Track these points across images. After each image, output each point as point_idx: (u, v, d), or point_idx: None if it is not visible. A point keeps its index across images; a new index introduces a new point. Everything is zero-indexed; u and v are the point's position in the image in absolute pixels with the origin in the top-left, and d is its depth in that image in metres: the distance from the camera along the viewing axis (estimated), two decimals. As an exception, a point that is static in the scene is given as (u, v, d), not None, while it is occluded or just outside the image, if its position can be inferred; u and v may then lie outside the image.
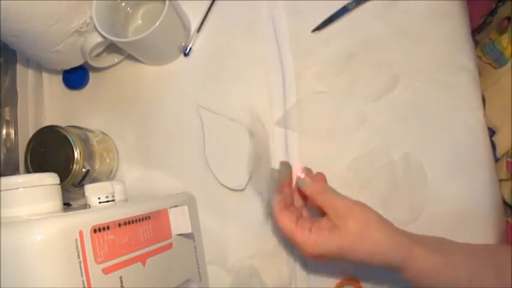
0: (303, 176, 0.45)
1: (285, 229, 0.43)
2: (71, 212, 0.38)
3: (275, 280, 0.54)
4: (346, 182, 0.51)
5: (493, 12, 0.53)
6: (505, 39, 0.49)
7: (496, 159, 0.51)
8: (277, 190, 0.46)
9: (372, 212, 0.43)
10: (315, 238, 0.41)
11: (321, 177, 0.46)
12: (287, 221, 0.43)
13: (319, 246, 0.41)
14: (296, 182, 0.46)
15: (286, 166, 0.49)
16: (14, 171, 0.61)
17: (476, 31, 0.55)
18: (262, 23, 0.57)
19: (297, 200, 0.48)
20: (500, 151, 0.50)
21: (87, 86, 0.63)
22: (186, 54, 0.59)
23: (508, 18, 0.50)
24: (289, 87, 0.56)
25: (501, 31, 0.51)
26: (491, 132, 0.51)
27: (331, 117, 0.54)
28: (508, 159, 0.49)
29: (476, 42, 0.54)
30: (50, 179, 0.41)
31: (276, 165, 0.55)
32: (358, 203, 0.43)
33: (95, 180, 0.56)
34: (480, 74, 0.52)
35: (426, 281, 0.41)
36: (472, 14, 0.53)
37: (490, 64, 0.52)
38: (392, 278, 0.51)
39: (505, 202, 0.50)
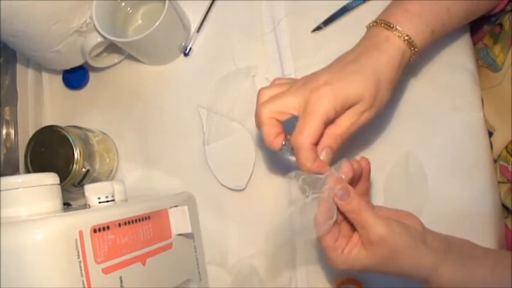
0: (338, 191, 0.40)
1: (323, 245, 0.42)
2: (71, 212, 0.38)
3: (275, 280, 0.54)
4: (346, 182, 0.51)
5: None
6: (497, 48, 0.50)
7: (494, 161, 0.51)
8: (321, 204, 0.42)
9: (405, 236, 0.40)
10: (346, 256, 0.41)
11: (361, 190, 0.45)
12: (328, 238, 0.41)
13: (347, 264, 0.41)
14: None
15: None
16: (14, 171, 0.61)
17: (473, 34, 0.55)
18: (262, 23, 0.57)
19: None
20: (495, 153, 0.51)
21: (87, 86, 0.63)
22: (186, 54, 0.59)
23: (500, 24, 0.50)
24: (289, 87, 0.55)
25: (494, 37, 0.51)
26: (489, 133, 0.51)
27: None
28: (502, 163, 0.49)
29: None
30: (50, 179, 0.41)
31: (275, 166, 0.55)
32: (390, 227, 0.40)
33: (95, 180, 0.56)
34: (478, 76, 0.52)
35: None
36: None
37: (486, 67, 0.52)
38: (393, 278, 0.51)
39: (502, 204, 0.50)
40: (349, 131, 0.42)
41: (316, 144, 0.41)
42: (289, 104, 0.42)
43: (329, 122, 0.41)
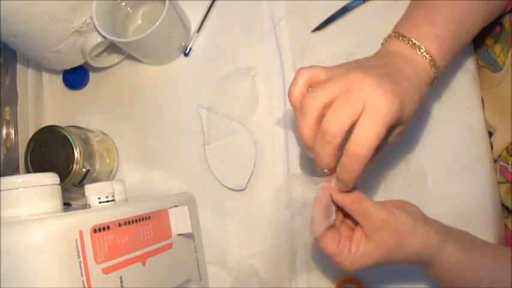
0: (335, 185, 0.39)
1: (326, 251, 0.40)
2: (71, 212, 0.38)
3: (275, 280, 0.54)
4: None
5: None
6: (497, 48, 0.50)
7: (494, 161, 0.51)
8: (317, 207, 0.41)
9: (406, 216, 0.40)
10: (354, 256, 0.40)
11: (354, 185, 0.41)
12: (329, 243, 0.40)
13: (358, 263, 0.40)
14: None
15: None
16: (14, 171, 0.61)
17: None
18: (262, 22, 0.57)
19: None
20: (496, 153, 0.51)
21: (87, 86, 0.63)
22: (186, 54, 0.59)
23: (501, 24, 0.50)
24: (289, 87, 0.55)
25: (494, 37, 0.51)
26: (489, 133, 0.51)
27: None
28: (502, 163, 0.49)
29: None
30: (50, 179, 0.41)
31: (275, 166, 0.55)
32: (391, 211, 0.39)
33: (95, 180, 0.56)
34: (479, 76, 0.52)
35: (450, 277, 0.41)
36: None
37: (487, 68, 0.52)
38: (392, 278, 0.51)
39: (502, 204, 0.50)
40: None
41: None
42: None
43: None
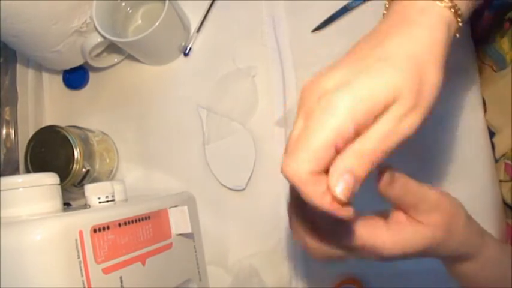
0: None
1: (361, 238, 0.32)
2: (71, 212, 0.38)
3: (275, 280, 0.54)
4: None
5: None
6: (505, 43, 0.49)
7: (495, 160, 0.51)
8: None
9: (458, 202, 0.35)
10: (398, 236, 0.32)
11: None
12: (366, 227, 0.32)
13: (403, 245, 0.32)
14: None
15: None
16: (14, 171, 0.61)
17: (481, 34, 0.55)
18: (262, 23, 0.57)
19: None
20: (498, 152, 0.50)
21: (87, 86, 0.63)
22: (186, 54, 0.59)
23: (510, 20, 0.50)
24: (289, 87, 0.55)
25: (502, 33, 0.51)
26: (491, 133, 0.51)
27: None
28: (507, 161, 0.49)
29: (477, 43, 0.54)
30: (50, 179, 0.41)
31: (275, 166, 0.55)
32: (444, 193, 0.34)
33: (95, 180, 0.56)
34: (480, 75, 0.52)
35: (489, 270, 0.37)
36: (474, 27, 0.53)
37: (490, 67, 0.52)
38: (392, 277, 0.51)
39: (504, 203, 0.50)
40: (385, 147, 0.29)
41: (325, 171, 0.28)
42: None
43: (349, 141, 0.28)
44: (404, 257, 0.33)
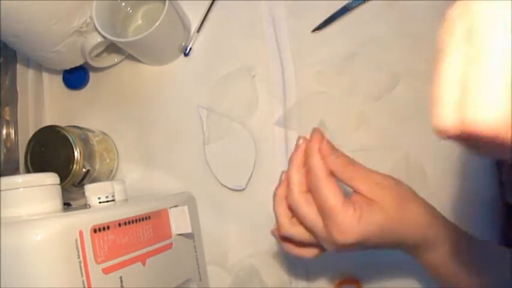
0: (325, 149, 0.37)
1: (328, 203, 0.35)
2: (71, 212, 0.38)
3: (275, 280, 0.54)
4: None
5: None
6: None
7: (497, 161, 0.51)
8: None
9: (407, 187, 0.38)
10: (359, 215, 0.35)
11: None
12: (332, 194, 0.35)
13: (361, 225, 0.34)
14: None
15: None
16: (14, 171, 0.61)
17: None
18: (262, 23, 0.57)
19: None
20: None
21: (87, 86, 0.63)
22: (186, 54, 0.59)
23: None
24: (289, 87, 0.56)
25: None
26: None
27: (331, 117, 0.54)
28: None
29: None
30: (50, 179, 0.41)
31: (275, 166, 0.55)
32: (389, 175, 0.37)
33: (95, 180, 0.56)
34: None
35: (453, 261, 0.38)
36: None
37: None
38: (392, 277, 0.51)
39: (506, 203, 0.50)
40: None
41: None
42: None
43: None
44: (365, 239, 0.35)
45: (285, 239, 0.41)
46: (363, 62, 0.54)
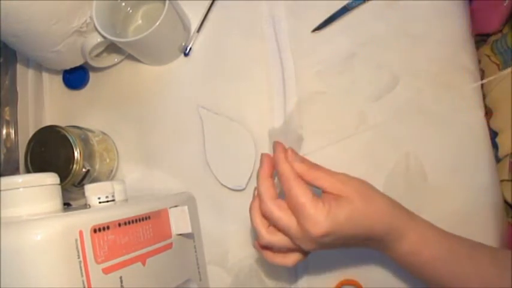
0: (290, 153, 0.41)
1: (299, 200, 0.38)
2: (71, 212, 0.38)
3: (275, 280, 0.54)
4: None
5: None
6: None
7: (498, 160, 0.51)
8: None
9: (368, 183, 0.41)
10: (328, 208, 0.37)
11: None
12: (301, 192, 0.38)
13: (330, 218, 0.37)
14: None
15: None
16: (14, 171, 0.61)
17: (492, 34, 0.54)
18: (262, 23, 0.57)
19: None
20: (502, 152, 0.50)
21: (87, 86, 0.63)
22: (186, 54, 0.59)
23: None
24: (290, 87, 0.55)
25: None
26: (494, 133, 0.51)
27: (332, 117, 0.54)
28: (511, 159, 0.49)
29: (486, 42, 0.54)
30: (50, 179, 0.41)
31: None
32: (348, 175, 0.41)
33: (95, 180, 0.56)
34: (486, 74, 0.52)
35: (424, 253, 0.39)
36: (491, 18, 0.52)
37: (497, 65, 0.52)
38: (392, 277, 0.51)
39: (506, 203, 0.50)
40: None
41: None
42: None
43: None
44: (337, 229, 0.37)
45: (265, 248, 0.42)
46: (363, 62, 0.54)
